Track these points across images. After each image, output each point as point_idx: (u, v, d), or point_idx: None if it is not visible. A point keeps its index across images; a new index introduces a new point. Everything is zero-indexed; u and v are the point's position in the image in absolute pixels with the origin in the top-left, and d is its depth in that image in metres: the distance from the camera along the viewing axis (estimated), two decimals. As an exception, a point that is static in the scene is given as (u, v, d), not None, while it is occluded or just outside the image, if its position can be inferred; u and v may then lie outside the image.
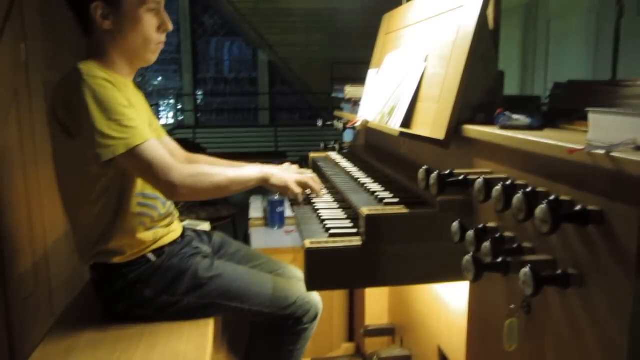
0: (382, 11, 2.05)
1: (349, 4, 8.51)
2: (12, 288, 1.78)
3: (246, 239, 2.66)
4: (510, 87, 5.71)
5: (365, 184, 1.52)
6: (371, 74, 1.88)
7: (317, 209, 1.49)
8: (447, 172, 1.04)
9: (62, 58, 2.22)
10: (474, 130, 1.12)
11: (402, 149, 1.68)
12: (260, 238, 2.41)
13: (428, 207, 1.22)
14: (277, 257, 1.88)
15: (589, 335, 0.79)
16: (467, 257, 0.92)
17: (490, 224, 1.03)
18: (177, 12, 10.36)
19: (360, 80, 2.02)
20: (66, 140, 1.36)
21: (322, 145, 2.38)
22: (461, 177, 1.02)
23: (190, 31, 11.42)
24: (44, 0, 2.09)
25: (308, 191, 1.57)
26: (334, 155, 2.16)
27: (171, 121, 12.38)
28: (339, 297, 2.36)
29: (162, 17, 1.45)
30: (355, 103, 2.06)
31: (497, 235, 0.98)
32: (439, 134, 1.19)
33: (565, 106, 1.16)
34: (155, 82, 12.13)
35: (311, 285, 1.22)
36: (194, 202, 3.60)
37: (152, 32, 1.43)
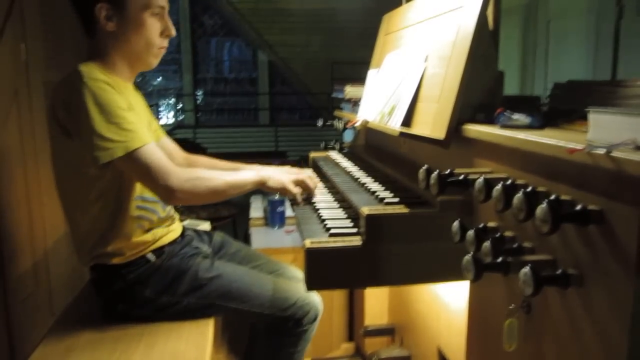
0: (382, 11, 2.05)
1: (349, 4, 8.52)
2: (12, 288, 1.78)
3: (246, 239, 2.66)
4: (510, 87, 5.71)
5: (365, 183, 1.52)
6: (371, 74, 1.88)
7: (318, 209, 1.49)
8: (447, 172, 1.04)
9: (62, 58, 2.22)
10: (474, 130, 1.12)
11: (402, 149, 1.68)
12: (261, 238, 2.41)
13: (428, 207, 1.22)
14: (277, 257, 1.88)
15: (589, 335, 0.79)
16: (467, 257, 0.92)
17: (491, 224, 1.03)
18: (177, 12, 10.36)
19: (360, 80, 2.02)
20: (64, 141, 1.36)
21: (322, 145, 2.39)
22: (461, 177, 1.02)
23: (190, 31, 11.42)
24: (44, 0, 2.09)
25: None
26: (334, 155, 2.17)
27: (171, 121, 12.38)
28: (338, 297, 2.36)
29: (166, 22, 1.45)
30: (355, 103, 2.06)
31: (497, 235, 0.98)
32: (439, 133, 1.19)
33: (565, 106, 1.16)
34: (155, 82, 12.12)
35: (311, 285, 1.22)
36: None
37: (155, 36, 1.43)
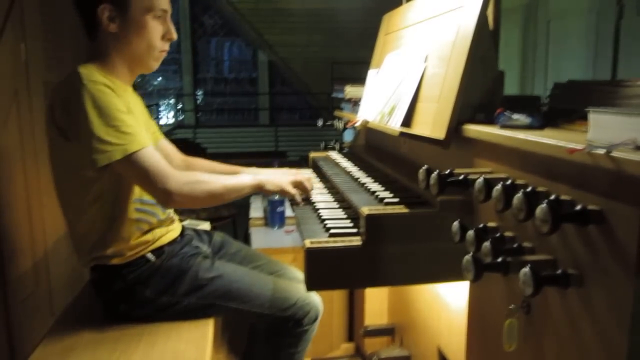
0: (382, 11, 2.05)
1: (349, 4, 8.51)
2: (12, 288, 1.78)
3: (246, 239, 2.66)
4: (510, 87, 5.71)
5: (365, 183, 1.52)
6: (371, 74, 1.88)
7: (317, 209, 1.49)
8: (447, 172, 1.04)
9: (62, 58, 2.22)
10: (474, 130, 1.12)
11: (402, 149, 1.68)
12: (261, 238, 2.41)
13: (428, 207, 1.22)
14: (277, 257, 1.88)
15: (589, 335, 0.79)
16: (467, 257, 0.92)
17: (491, 224, 1.03)
18: (177, 12, 10.36)
19: (360, 80, 2.02)
20: (62, 143, 1.36)
21: (322, 145, 2.39)
22: (461, 177, 1.02)
23: (190, 31, 11.42)
24: (44, 0, 2.09)
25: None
26: (334, 155, 2.17)
27: (171, 121, 12.38)
28: (339, 297, 2.36)
29: (168, 25, 1.45)
30: (355, 103, 2.06)
31: (497, 235, 0.98)
32: (439, 133, 1.19)
33: (565, 106, 1.16)
34: (156, 82, 12.13)
35: (311, 285, 1.22)
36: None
37: (157, 39, 1.43)
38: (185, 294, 1.46)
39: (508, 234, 0.98)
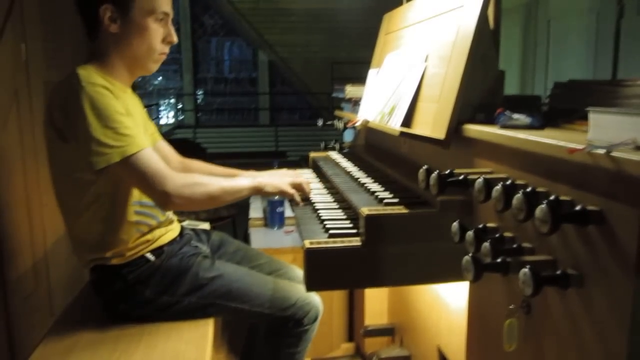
0: (382, 11, 2.04)
1: (349, 4, 8.52)
2: (12, 288, 1.78)
3: (246, 239, 2.66)
4: (511, 87, 5.72)
5: (365, 183, 1.52)
6: (371, 73, 1.88)
7: (317, 209, 1.49)
8: (447, 172, 1.04)
9: (62, 58, 2.22)
10: (474, 130, 1.12)
11: (402, 149, 1.68)
12: (260, 238, 2.41)
13: (428, 207, 1.22)
14: (277, 257, 1.88)
15: (589, 335, 0.79)
16: (467, 257, 0.92)
17: (490, 224, 1.03)
18: (177, 12, 10.36)
19: (360, 80, 2.02)
20: (60, 144, 1.35)
21: (322, 145, 2.39)
22: (461, 177, 1.02)
23: (190, 31, 11.43)
24: (44, 0, 2.09)
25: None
26: (334, 155, 2.16)
27: (171, 121, 12.39)
28: (338, 297, 2.36)
29: (169, 28, 1.45)
30: (355, 103, 2.06)
31: (497, 235, 0.98)
32: (439, 133, 1.19)
33: (566, 106, 1.16)
34: (156, 82, 12.13)
35: (311, 285, 1.22)
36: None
37: (157, 42, 1.43)
38: (186, 293, 1.46)
39: (508, 234, 0.98)
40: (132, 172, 1.31)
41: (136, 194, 1.42)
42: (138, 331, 1.42)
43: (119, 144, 1.28)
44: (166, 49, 1.48)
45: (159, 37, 1.43)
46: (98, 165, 1.28)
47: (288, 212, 2.50)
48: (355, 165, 1.86)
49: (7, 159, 1.82)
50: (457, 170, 1.05)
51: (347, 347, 2.38)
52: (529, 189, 0.83)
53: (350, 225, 1.33)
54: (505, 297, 1.00)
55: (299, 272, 1.77)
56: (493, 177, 0.99)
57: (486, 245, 0.92)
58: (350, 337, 2.40)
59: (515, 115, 1.06)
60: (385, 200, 1.29)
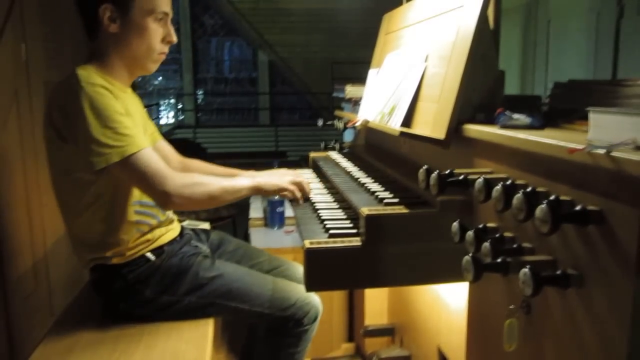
0: (382, 11, 2.04)
1: (349, 4, 8.52)
2: (12, 288, 1.78)
3: (246, 239, 2.66)
4: (511, 87, 5.71)
5: (365, 183, 1.52)
6: (371, 73, 1.88)
7: (317, 209, 1.49)
8: (447, 172, 1.04)
9: (62, 58, 2.22)
10: (474, 130, 1.12)
11: (403, 149, 1.68)
12: (260, 238, 2.41)
13: (428, 207, 1.22)
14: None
15: (589, 335, 0.79)
16: (467, 258, 0.92)
17: (490, 224, 1.03)
18: (177, 12, 10.36)
19: (360, 80, 2.02)
20: (59, 145, 1.35)
21: (322, 145, 2.38)
22: (461, 177, 1.02)
23: (190, 31, 11.43)
24: (44, 0, 2.09)
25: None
26: (334, 155, 2.16)
27: (171, 121, 12.39)
28: (338, 297, 2.36)
29: (168, 28, 1.45)
30: (355, 103, 2.06)
31: (497, 235, 0.98)
32: (439, 133, 1.19)
33: (566, 106, 1.16)
34: (156, 82, 12.14)
35: (311, 285, 1.22)
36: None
37: (157, 42, 1.43)
38: (186, 293, 1.46)
39: (508, 234, 0.98)
40: (131, 172, 1.31)
41: (136, 194, 1.42)
42: (138, 331, 1.42)
43: (119, 144, 1.28)
44: (166, 49, 1.48)
45: (158, 37, 1.43)
46: (98, 165, 1.28)
47: (288, 212, 2.50)
48: (355, 165, 1.86)
49: (7, 159, 1.82)
50: (457, 170, 1.05)
51: (347, 347, 2.38)
52: (529, 189, 0.83)
53: (351, 225, 1.33)
54: (505, 297, 1.00)
55: (300, 269, 1.77)
56: (493, 177, 0.99)
57: (486, 245, 0.92)
58: (350, 337, 2.40)
59: (515, 115, 1.06)
60: (386, 200, 1.29)
